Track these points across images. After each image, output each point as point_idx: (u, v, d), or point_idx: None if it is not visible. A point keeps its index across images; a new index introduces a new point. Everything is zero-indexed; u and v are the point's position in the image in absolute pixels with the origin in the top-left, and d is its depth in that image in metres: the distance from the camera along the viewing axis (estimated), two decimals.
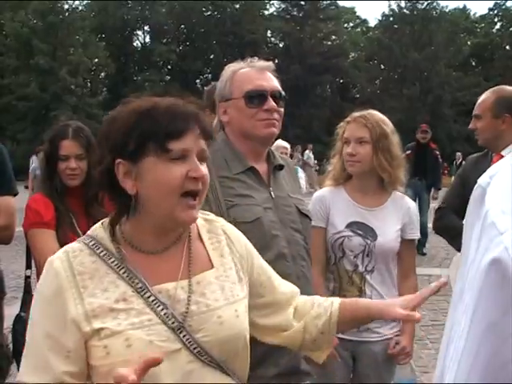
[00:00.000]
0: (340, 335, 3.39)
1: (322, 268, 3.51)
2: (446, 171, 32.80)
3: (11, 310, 4.03)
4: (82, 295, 1.73)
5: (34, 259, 3.62)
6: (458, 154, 31.15)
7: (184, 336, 1.75)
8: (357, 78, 63.30)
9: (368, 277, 3.46)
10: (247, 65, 2.87)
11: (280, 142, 10.06)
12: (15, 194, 3.98)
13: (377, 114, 3.53)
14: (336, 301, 2.17)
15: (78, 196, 3.57)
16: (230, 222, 2.53)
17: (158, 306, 1.76)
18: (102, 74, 62.99)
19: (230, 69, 2.89)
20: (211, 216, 2.09)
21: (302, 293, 2.68)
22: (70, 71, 49.98)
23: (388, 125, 3.48)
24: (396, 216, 3.52)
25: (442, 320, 8.08)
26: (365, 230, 3.45)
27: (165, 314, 1.75)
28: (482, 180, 1.07)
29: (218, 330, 1.81)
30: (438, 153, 13.34)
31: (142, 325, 1.71)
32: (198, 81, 67.52)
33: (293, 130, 49.38)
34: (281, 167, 2.96)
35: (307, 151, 31.70)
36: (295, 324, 2.16)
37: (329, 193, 3.60)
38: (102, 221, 1.90)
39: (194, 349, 1.76)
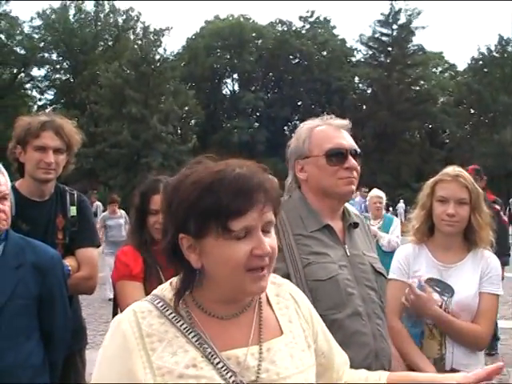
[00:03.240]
0: None
1: (400, 318, 3.44)
2: None
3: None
4: (150, 358, 1.66)
5: (120, 310, 3.65)
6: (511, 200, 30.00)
7: None
8: (446, 123, 62.47)
9: None
10: (324, 122, 2.88)
11: (375, 192, 9.90)
12: (98, 246, 4.08)
13: (465, 172, 3.49)
14: (383, 374, 2.09)
15: None
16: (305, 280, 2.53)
17: (227, 372, 1.67)
18: (192, 121, 64.34)
19: (305, 126, 2.90)
20: (278, 279, 2.02)
21: (380, 352, 2.65)
22: (160, 119, 51.33)
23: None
24: (475, 271, 3.43)
25: None
26: (442, 287, 3.38)
27: (233, 382, 1.66)
28: None
29: None
30: (498, 207, 8.75)
31: None
32: (285, 127, 68.12)
33: (381, 176, 49.00)
34: (356, 225, 2.94)
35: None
36: None
37: (412, 249, 3.57)
38: (170, 280, 1.86)
39: None
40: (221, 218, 1.64)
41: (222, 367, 1.67)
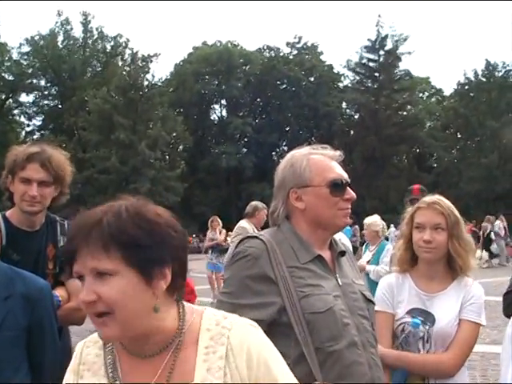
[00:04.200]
0: None
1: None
2: None
3: None
4: (77, 383, 1.83)
5: None
6: (485, 224, 30.12)
7: None
8: (433, 147, 62.75)
9: None
10: (317, 152, 2.86)
11: (365, 219, 9.99)
12: None
13: (445, 200, 3.49)
14: None
15: None
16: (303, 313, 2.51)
17: None
18: (180, 147, 64.48)
19: (299, 154, 2.86)
20: (228, 320, 1.87)
21: (376, 381, 2.62)
22: (148, 145, 51.41)
23: (456, 211, 3.46)
24: (458, 299, 3.40)
25: None
26: (425, 316, 3.35)
27: None
28: None
29: None
30: None
31: None
32: (273, 153, 68.30)
33: (369, 201, 49.07)
34: (343, 253, 2.92)
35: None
36: None
37: (395, 280, 3.54)
38: None
39: None
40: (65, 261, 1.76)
41: None
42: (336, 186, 2.75)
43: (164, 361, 1.77)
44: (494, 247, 29.33)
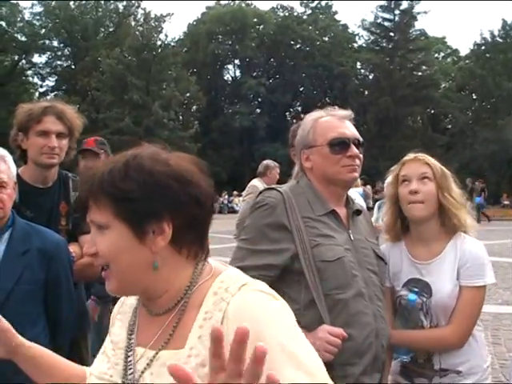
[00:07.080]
0: None
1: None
2: None
3: None
4: (111, 330, 1.84)
5: None
6: (468, 179, 30.98)
7: None
8: (448, 108, 62.11)
9: None
10: (328, 113, 3.02)
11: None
12: None
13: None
14: None
15: None
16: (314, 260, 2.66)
17: (131, 367, 1.68)
18: (194, 107, 64.31)
19: (310, 117, 3.04)
20: (238, 285, 1.63)
21: (380, 332, 2.77)
22: (162, 105, 51.32)
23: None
24: (454, 264, 3.10)
25: None
26: (420, 287, 3.12)
27: (131, 378, 1.66)
28: None
29: None
30: None
31: (103, 378, 1.72)
32: (287, 113, 68.04)
33: (383, 162, 48.89)
34: (358, 212, 3.06)
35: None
36: None
37: (387, 251, 3.28)
38: None
39: None
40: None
41: (130, 360, 1.69)
42: (336, 145, 2.89)
43: (166, 322, 1.68)
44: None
